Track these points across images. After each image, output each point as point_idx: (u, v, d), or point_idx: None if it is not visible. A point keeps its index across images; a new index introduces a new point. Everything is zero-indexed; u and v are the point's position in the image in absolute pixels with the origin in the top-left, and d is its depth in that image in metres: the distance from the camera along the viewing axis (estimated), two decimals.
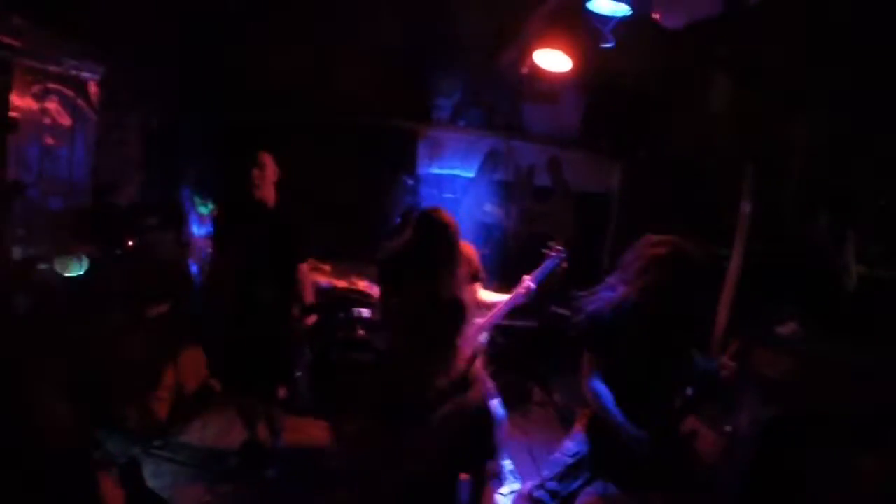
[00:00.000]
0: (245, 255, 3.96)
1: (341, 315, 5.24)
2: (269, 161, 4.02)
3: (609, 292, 3.23)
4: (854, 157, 4.56)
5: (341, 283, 5.58)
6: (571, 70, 4.70)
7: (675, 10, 4.18)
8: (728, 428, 4.30)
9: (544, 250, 3.97)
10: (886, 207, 4.52)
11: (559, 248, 3.96)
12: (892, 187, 4.32)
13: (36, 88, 4.27)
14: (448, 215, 3.51)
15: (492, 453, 2.20)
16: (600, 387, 3.17)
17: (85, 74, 4.58)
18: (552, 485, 3.33)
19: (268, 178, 4.00)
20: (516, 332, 5.74)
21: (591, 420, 3.37)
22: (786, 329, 4.56)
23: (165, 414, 4.57)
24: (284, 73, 5.50)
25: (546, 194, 6.44)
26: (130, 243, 4.60)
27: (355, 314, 5.26)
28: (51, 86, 4.37)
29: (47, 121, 4.37)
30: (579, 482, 3.33)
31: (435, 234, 3.42)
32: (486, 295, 4.05)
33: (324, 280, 5.52)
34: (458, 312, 3.36)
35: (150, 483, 3.79)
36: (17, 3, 4.09)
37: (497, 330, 5.58)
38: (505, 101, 6.33)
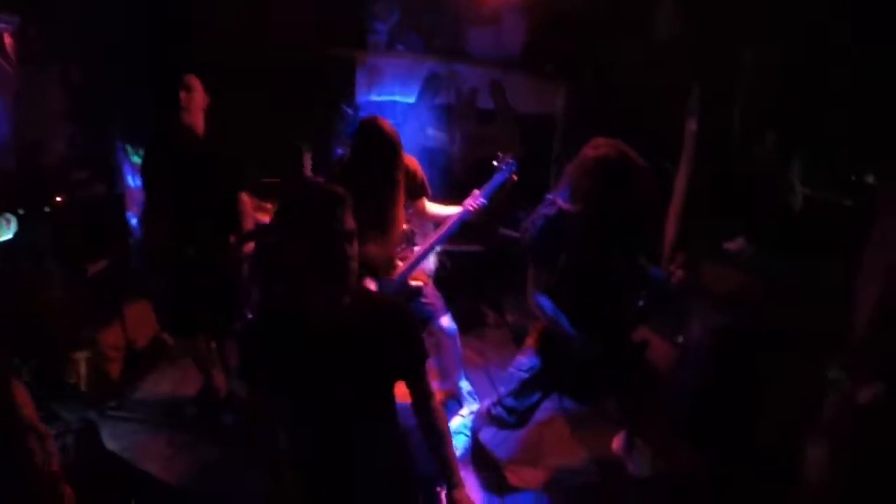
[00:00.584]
0: (175, 189, 3.83)
1: None
2: (196, 84, 3.86)
3: (549, 207, 3.23)
4: (804, 85, 4.54)
5: None
6: None
7: None
8: (680, 339, 4.49)
9: (494, 162, 3.94)
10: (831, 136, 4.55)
11: (509, 159, 3.92)
12: (838, 117, 4.33)
13: None
14: (387, 123, 3.46)
15: (421, 356, 2.14)
16: (544, 299, 3.21)
17: None
18: (509, 401, 3.45)
19: (196, 101, 3.85)
20: (465, 256, 5.84)
21: (541, 334, 3.44)
22: (734, 245, 4.72)
23: (118, 373, 4.56)
24: (213, 8, 5.23)
25: (490, 117, 6.35)
26: (59, 199, 4.42)
27: None
28: None
29: None
30: (536, 397, 3.43)
31: (374, 141, 3.38)
32: (434, 208, 4.06)
33: (266, 218, 5.42)
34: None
35: (110, 445, 3.83)
36: None
37: (445, 255, 5.70)
38: (445, 24, 6.13)
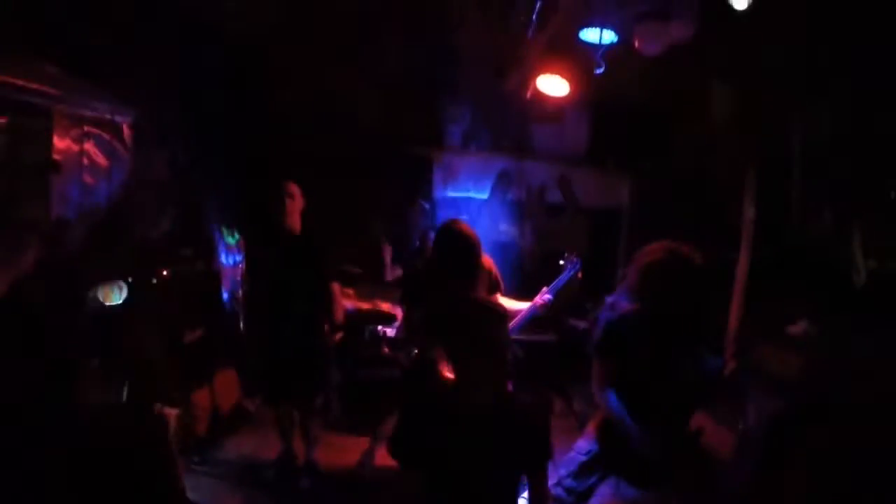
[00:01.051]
0: (278, 278, 4.35)
1: (367, 335, 5.49)
2: (296, 191, 4.42)
3: (609, 311, 3.35)
4: (855, 151, 4.64)
5: (365, 306, 5.83)
6: (570, 93, 5.00)
7: (651, 38, 4.42)
8: (740, 426, 4.41)
9: (561, 262, 4.16)
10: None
11: (574, 258, 4.15)
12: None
13: (74, 132, 4.61)
14: (466, 226, 3.63)
15: (549, 453, 2.31)
16: (612, 396, 3.27)
17: (118, 118, 4.93)
18: (569, 482, 3.43)
19: (296, 206, 4.40)
20: (536, 346, 5.84)
21: (602, 422, 3.47)
22: (796, 328, 4.60)
23: (203, 431, 4.82)
24: (301, 104, 5.83)
25: (558, 211, 6.65)
26: (165, 273, 4.90)
27: (379, 332, 5.50)
28: (87, 129, 4.70)
29: (86, 161, 4.71)
30: (594, 478, 3.42)
31: (456, 244, 3.53)
32: (506, 302, 4.17)
33: (349, 303, 5.77)
34: (491, 312, 3.40)
35: (190, 496, 4.03)
36: (51, 54, 4.49)
37: (517, 344, 5.79)
38: (513, 123, 6.56)
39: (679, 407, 3.41)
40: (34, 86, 4.26)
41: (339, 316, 4.52)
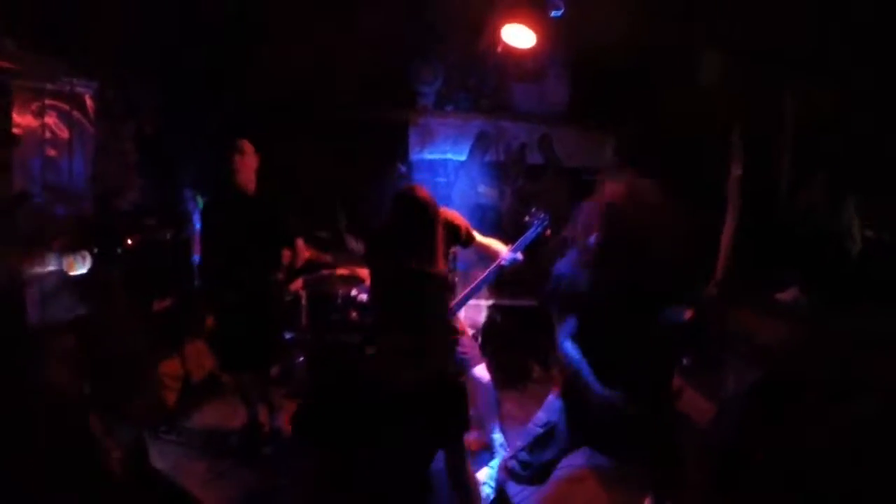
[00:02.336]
0: (225, 242, 4.28)
1: (339, 301, 5.48)
2: (248, 148, 4.28)
3: (571, 253, 3.23)
4: (851, 115, 4.46)
5: (343, 271, 5.81)
6: (539, 45, 4.83)
7: None
8: (720, 394, 4.34)
9: (526, 218, 4.09)
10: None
11: (542, 214, 4.06)
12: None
13: (34, 105, 4.60)
14: (423, 191, 3.53)
15: (466, 425, 2.28)
16: (569, 348, 3.13)
17: (79, 89, 4.90)
18: (523, 455, 3.36)
19: (247, 164, 4.27)
20: (514, 311, 5.88)
21: (564, 386, 3.36)
22: (786, 295, 4.51)
23: (173, 401, 4.91)
24: (272, 70, 5.71)
25: (539, 172, 6.52)
26: (130, 242, 4.93)
27: (352, 296, 5.49)
28: (48, 102, 4.69)
29: (48, 135, 4.70)
30: (551, 452, 3.33)
31: (409, 211, 3.45)
32: (487, 242, 4.06)
33: (327, 272, 5.75)
34: (428, 285, 3.34)
35: (156, 463, 4.13)
36: (9, 28, 4.45)
37: (496, 309, 5.81)
38: (491, 83, 6.44)
39: (644, 365, 3.19)
40: None
41: (299, 265, 4.49)
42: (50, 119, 4.73)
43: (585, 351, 3.14)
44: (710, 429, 4.08)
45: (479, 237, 4.01)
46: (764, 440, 3.56)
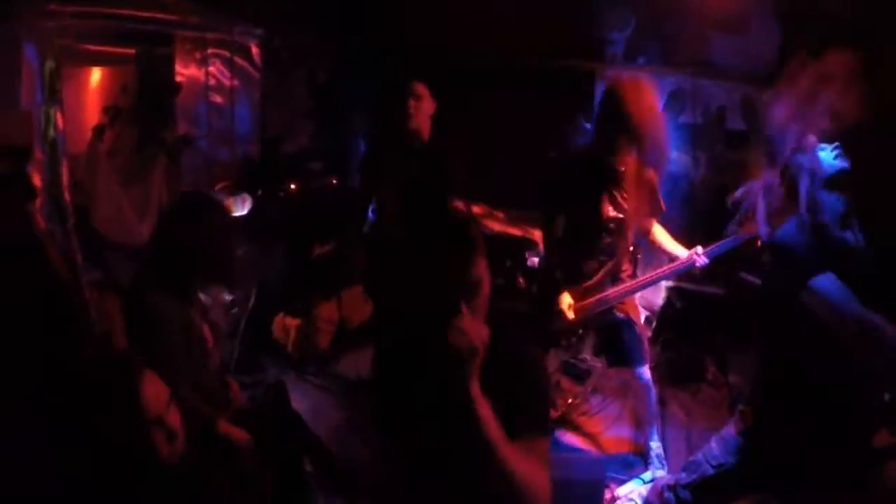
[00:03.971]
0: (391, 188, 4.02)
1: (508, 263, 5.00)
2: (423, 91, 4.04)
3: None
4: None
5: (515, 231, 5.36)
6: None
7: None
8: None
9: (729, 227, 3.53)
10: None
11: (745, 235, 3.45)
12: None
13: (198, 54, 4.92)
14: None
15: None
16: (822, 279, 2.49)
17: (244, 38, 5.13)
18: (684, 494, 2.93)
19: (423, 109, 4.02)
20: (698, 298, 5.10)
21: (754, 419, 2.76)
22: None
23: (325, 345, 4.84)
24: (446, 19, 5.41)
25: (739, 140, 5.55)
26: (293, 186, 4.94)
27: (524, 260, 5.01)
28: (211, 51, 4.99)
29: (212, 82, 5.01)
30: (718, 500, 2.89)
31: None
32: (662, 238, 3.73)
33: (497, 227, 5.36)
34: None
35: (296, 405, 4.03)
36: None
37: (676, 292, 5.16)
38: (688, 33, 5.54)
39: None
40: (156, 14, 4.54)
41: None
42: (214, 67, 4.97)
43: None
44: None
45: (657, 231, 3.69)
46: None
